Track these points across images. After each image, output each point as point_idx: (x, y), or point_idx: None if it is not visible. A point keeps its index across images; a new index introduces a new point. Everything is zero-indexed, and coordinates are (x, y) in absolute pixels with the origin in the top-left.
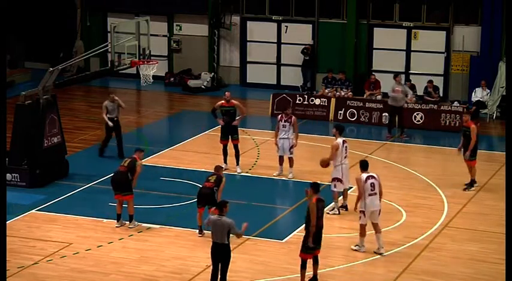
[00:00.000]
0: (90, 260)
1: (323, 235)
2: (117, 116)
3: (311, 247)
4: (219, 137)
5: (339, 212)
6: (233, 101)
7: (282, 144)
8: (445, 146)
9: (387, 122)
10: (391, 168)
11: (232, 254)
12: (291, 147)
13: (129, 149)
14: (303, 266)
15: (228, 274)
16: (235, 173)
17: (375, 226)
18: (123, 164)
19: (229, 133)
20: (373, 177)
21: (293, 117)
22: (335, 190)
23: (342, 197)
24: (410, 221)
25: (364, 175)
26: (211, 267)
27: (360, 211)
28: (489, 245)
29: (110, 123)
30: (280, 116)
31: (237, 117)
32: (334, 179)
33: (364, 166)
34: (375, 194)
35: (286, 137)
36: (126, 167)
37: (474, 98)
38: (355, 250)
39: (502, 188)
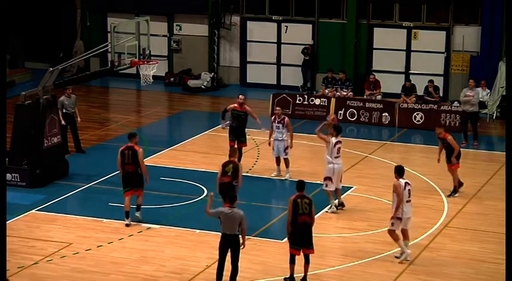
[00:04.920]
0: (90, 260)
1: (321, 235)
2: (74, 111)
3: (296, 243)
4: (219, 137)
5: (336, 209)
6: (246, 106)
7: (276, 145)
8: None
9: (461, 128)
10: (391, 168)
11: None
12: (286, 148)
13: None
14: (291, 261)
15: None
16: None
17: (406, 232)
18: (128, 161)
19: (237, 136)
20: (409, 184)
21: (286, 118)
22: (326, 189)
23: (336, 197)
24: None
25: (403, 181)
26: (217, 262)
27: (395, 218)
28: (489, 245)
29: (63, 122)
30: (273, 117)
31: (262, 128)
32: (325, 179)
33: (401, 172)
34: (410, 200)
35: (280, 138)
36: (131, 163)
37: None
38: (402, 259)
39: (502, 188)
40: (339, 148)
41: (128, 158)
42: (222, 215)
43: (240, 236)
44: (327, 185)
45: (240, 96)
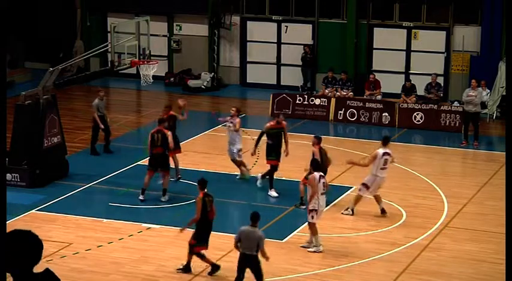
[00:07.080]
0: (90, 260)
1: (321, 235)
2: (105, 113)
3: (205, 239)
4: (219, 137)
5: (353, 212)
6: (284, 122)
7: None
8: (445, 146)
9: (463, 128)
10: (391, 168)
11: (231, 255)
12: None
13: (128, 148)
14: (202, 257)
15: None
16: (235, 173)
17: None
18: (158, 144)
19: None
20: (323, 177)
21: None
22: (359, 193)
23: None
24: (410, 221)
25: (317, 174)
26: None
27: (312, 210)
28: (489, 245)
29: (102, 126)
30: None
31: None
32: (363, 184)
33: (316, 166)
34: (325, 193)
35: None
36: (161, 146)
37: None
38: (313, 252)
39: (502, 188)
40: (386, 159)
41: (157, 141)
42: (243, 234)
43: (260, 255)
44: (360, 190)
45: (280, 117)
